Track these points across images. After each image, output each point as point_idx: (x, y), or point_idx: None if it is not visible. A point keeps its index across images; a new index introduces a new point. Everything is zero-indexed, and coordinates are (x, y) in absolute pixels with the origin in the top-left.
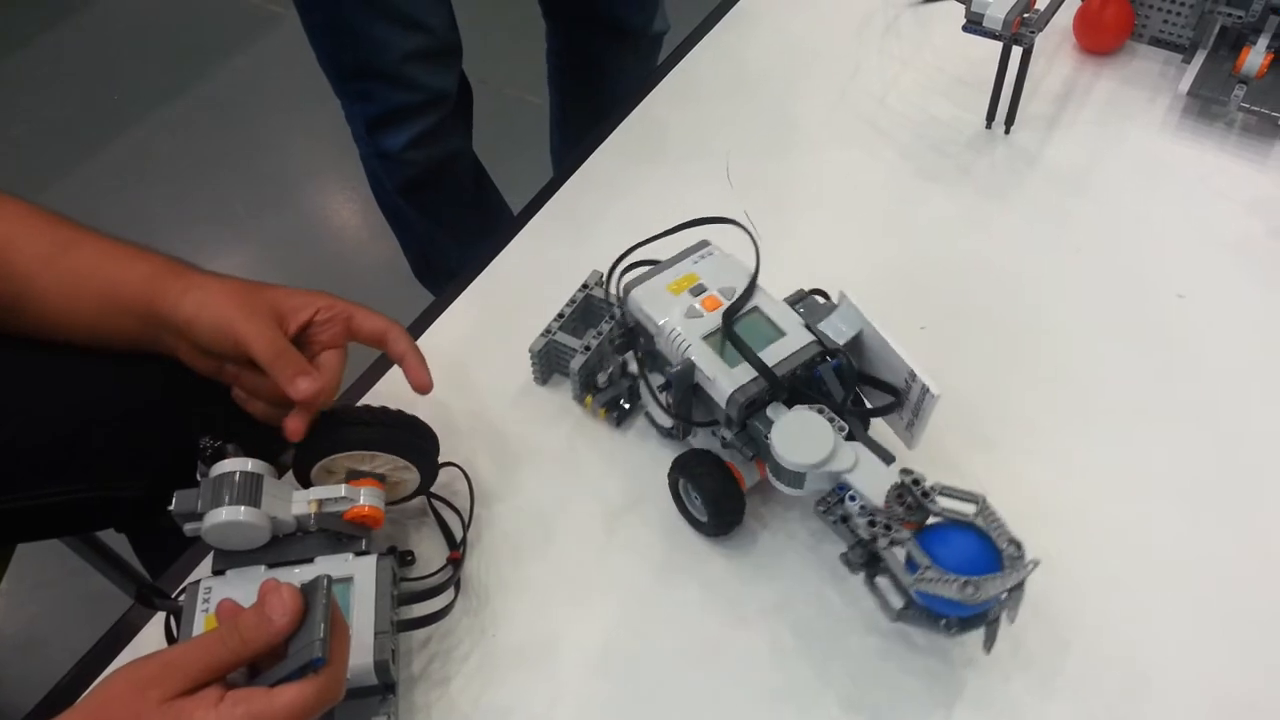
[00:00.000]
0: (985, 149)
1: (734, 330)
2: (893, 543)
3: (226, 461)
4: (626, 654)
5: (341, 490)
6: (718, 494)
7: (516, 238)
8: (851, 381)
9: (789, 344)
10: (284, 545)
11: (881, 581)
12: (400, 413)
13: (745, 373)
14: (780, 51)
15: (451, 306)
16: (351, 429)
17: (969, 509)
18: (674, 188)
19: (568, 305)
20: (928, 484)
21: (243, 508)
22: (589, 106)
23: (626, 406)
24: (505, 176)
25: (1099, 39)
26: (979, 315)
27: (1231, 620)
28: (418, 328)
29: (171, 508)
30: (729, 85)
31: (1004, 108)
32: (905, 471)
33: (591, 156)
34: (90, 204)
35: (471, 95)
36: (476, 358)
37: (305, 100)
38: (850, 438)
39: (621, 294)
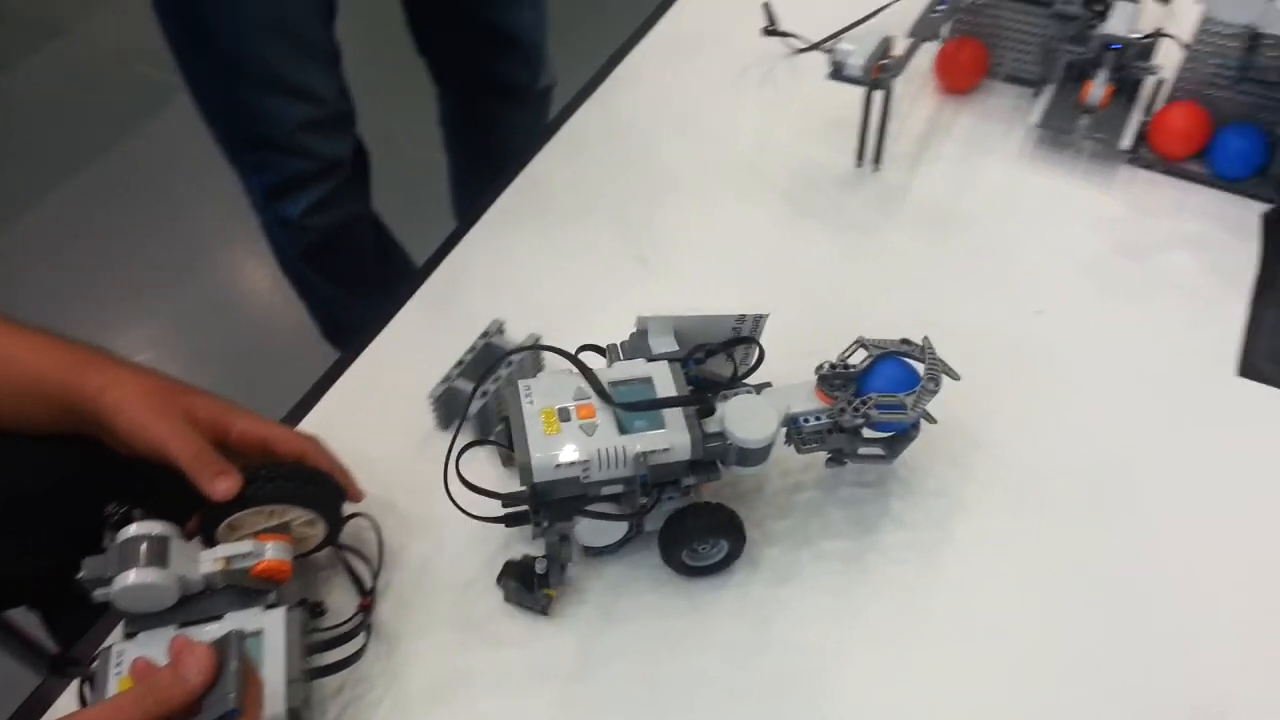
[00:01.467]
0: (858, 187)
1: (625, 408)
2: (868, 411)
3: (133, 526)
4: (541, 688)
5: (248, 546)
6: (727, 523)
7: (417, 293)
8: (732, 355)
9: (662, 381)
10: (193, 604)
11: (862, 450)
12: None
13: (675, 422)
14: (662, 106)
15: (355, 363)
16: (255, 485)
17: (862, 353)
18: (564, 240)
19: (468, 353)
20: (827, 364)
21: (150, 569)
22: (485, 164)
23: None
24: (411, 232)
25: (957, 79)
26: None
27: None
28: (322, 385)
29: (81, 575)
30: (615, 140)
31: (872, 148)
32: (817, 369)
33: (485, 215)
34: None
35: (368, 158)
36: (381, 409)
37: (207, 168)
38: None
39: (527, 481)
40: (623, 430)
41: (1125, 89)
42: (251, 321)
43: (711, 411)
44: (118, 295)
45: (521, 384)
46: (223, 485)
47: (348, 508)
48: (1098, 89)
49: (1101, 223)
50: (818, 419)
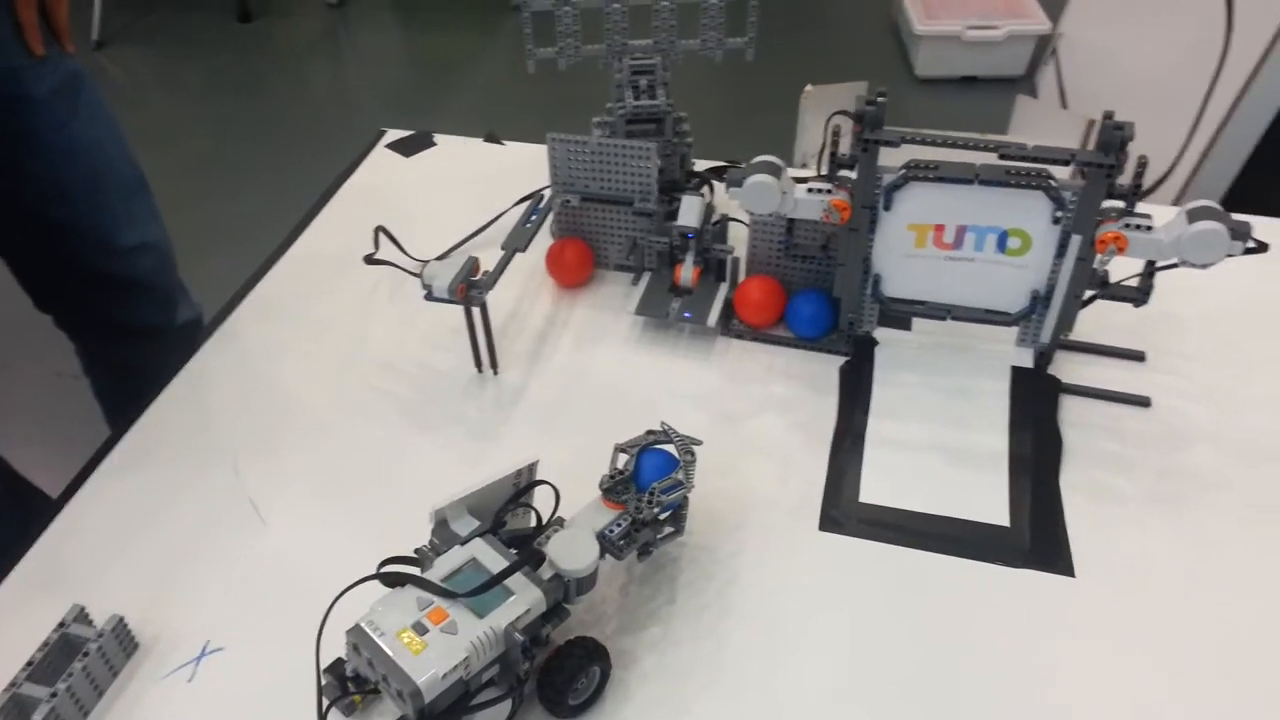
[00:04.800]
0: (478, 393)
1: (471, 595)
2: (659, 497)
3: None
4: None
5: None
6: (593, 650)
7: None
8: (531, 506)
9: (485, 555)
10: None
11: (661, 534)
12: None
13: (520, 585)
14: (293, 332)
15: None
16: None
17: (623, 456)
18: (175, 497)
19: (39, 649)
20: (607, 475)
21: None
22: (134, 404)
23: None
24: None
25: (567, 276)
26: None
27: None
28: None
29: None
30: (241, 374)
31: (485, 354)
32: (600, 484)
33: (94, 474)
34: None
35: None
36: None
37: None
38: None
39: (419, 706)
40: (480, 615)
41: (712, 268)
42: None
43: (542, 560)
44: None
45: (363, 623)
46: None
47: None
48: (686, 272)
49: (701, 396)
50: (619, 525)
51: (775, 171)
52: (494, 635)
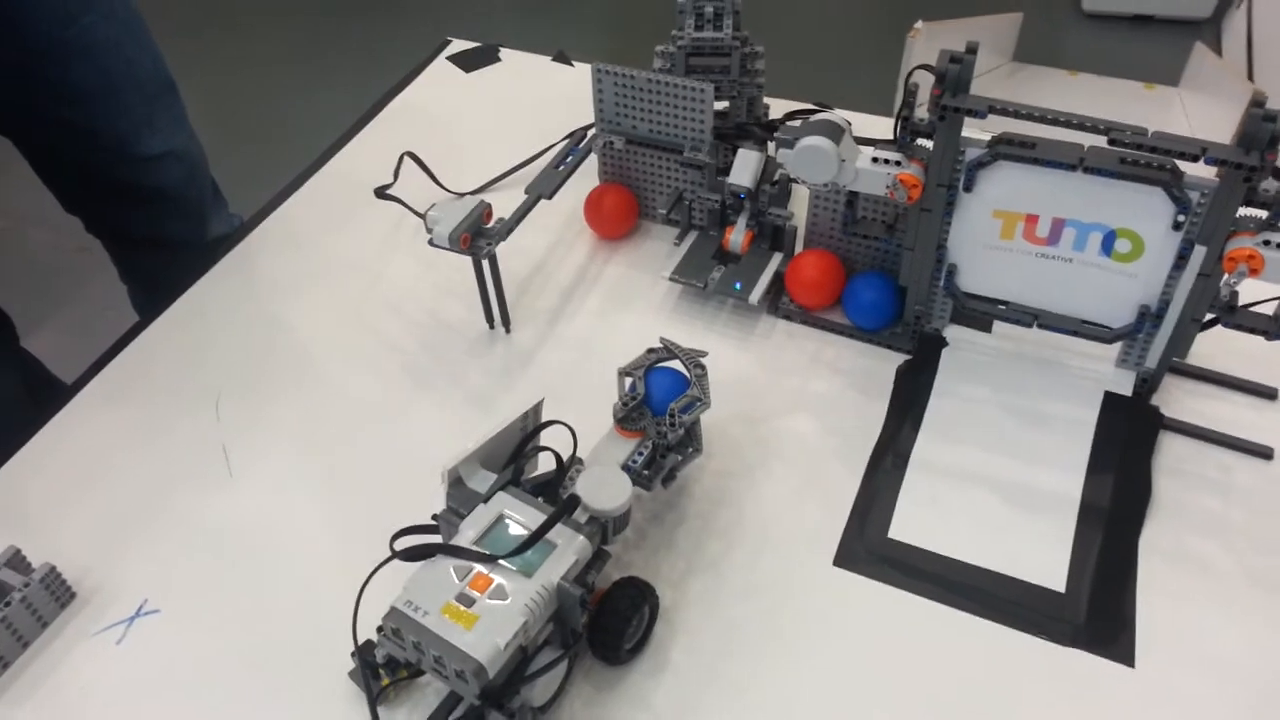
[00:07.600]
0: (484, 352)
1: (514, 555)
2: (680, 418)
3: None
4: None
5: None
6: (642, 589)
7: None
8: (551, 450)
9: (514, 508)
10: None
11: (680, 464)
12: None
13: (562, 535)
14: (306, 263)
15: None
16: None
17: (630, 379)
18: (148, 437)
19: None
20: (620, 404)
21: None
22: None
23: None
24: None
25: (605, 226)
26: None
27: None
28: None
29: None
30: (245, 304)
31: (497, 311)
32: (613, 414)
33: (69, 404)
34: None
35: (12, 326)
36: None
37: None
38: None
39: (483, 681)
40: (527, 574)
41: (767, 234)
42: None
43: (576, 506)
44: None
45: (398, 605)
46: None
47: None
48: (736, 236)
49: (731, 384)
50: (641, 454)
51: (834, 134)
52: (547, 593)
